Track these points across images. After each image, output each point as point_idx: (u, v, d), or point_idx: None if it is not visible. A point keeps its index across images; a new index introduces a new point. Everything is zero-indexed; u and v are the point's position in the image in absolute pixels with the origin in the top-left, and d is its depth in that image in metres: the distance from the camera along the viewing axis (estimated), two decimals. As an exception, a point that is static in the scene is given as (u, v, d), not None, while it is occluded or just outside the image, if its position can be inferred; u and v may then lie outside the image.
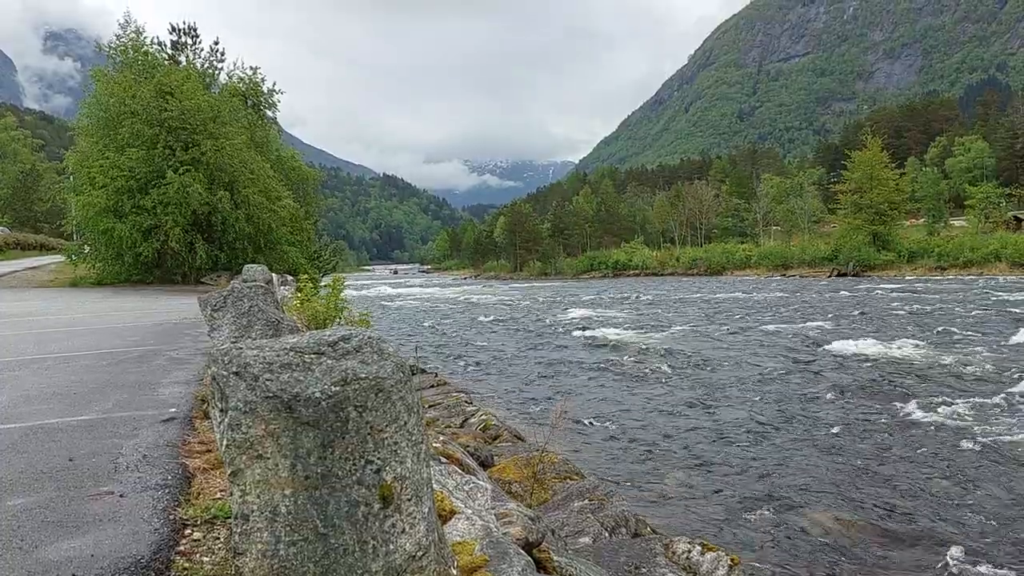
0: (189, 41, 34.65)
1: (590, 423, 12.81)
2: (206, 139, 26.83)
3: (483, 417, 11.66)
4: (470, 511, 3.38)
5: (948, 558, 6.70)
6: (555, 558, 4.01)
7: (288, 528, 1.89)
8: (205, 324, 6.03)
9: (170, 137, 26.51)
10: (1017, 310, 28.91)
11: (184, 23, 34.53)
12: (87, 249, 28.37)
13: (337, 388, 1.91)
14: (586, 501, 6.99)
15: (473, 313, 41.06)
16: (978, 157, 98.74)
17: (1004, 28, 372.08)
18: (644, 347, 22.19)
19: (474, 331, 30.57)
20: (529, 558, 2.93)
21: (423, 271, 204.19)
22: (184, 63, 33.35)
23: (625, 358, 20.34)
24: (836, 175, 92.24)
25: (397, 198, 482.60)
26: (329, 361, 1.97)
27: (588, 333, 26.83)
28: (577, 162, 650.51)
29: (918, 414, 12.17)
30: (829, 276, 71.95)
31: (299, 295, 12.54)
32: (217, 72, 34.97)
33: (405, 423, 2.04)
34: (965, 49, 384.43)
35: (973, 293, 38.59)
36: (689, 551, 5.63)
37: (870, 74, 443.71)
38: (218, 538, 2.84)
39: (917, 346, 19.82)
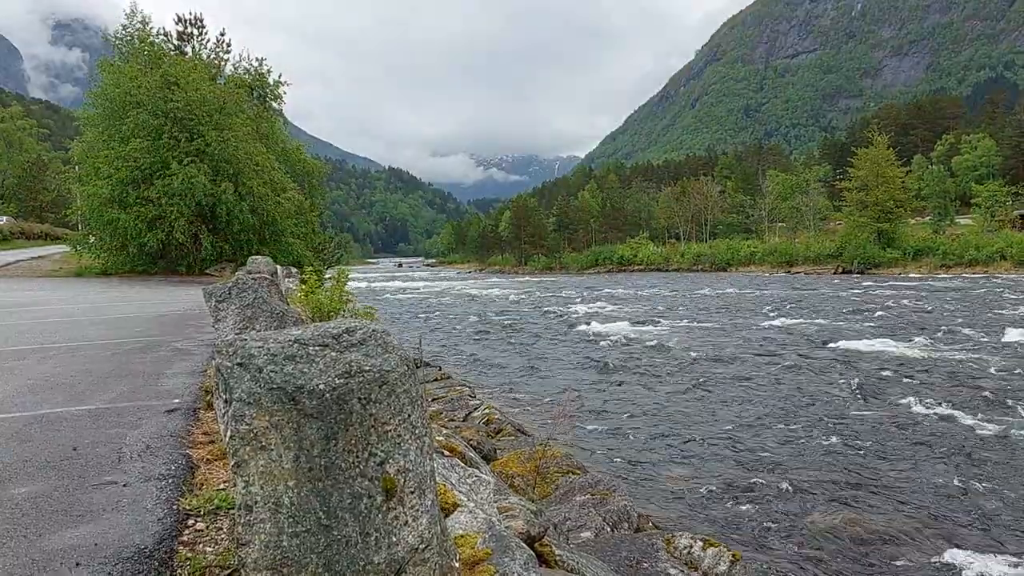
0: (195, 32, 34.65)
1: (593, 418, 12.83)
2: (211, 130, 26.83)
3: (486, 411, 11.68)
4: (473, 504, 3.38)
5: (951, 556, 6.70)
6: (557, 552, 4.01)
7: (291, 519, 1.89)
8: (209, 315, 6.04)
9: (175, 128, 26.51)
10: (1021, 309, 28.80)
11: (190, 14, 34.54)
12: (92, 239, 28.44)
13: (341, 380, 1.91)
14: (588, 496, 7.00)
15: (477, 307, 41.06)
16: (985, 155, 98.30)
17: (1012, 26, 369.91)
18: (648, 343, 22.18)
19: (478, 325, 30.57)
20: (531, 552, 2.93)
21: (428, 265, 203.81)
22: (190, 54, 33.35)
23: (628, 353, 20.34)
24: (842, 172, 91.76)
25: (402, 191, 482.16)
26: (333, 353, 1.97)
27: (592, 328, 26.81)
28: (583, 157, 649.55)
29: (920, 412, 12.16)
30: (834, 273, 71.72)
31: (303, 287, 12.54)
32: (223, 63, 35.00)
33: (409, 416, 2.04)
34: (973, 47, 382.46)
35: (977, 292, 38.47)
36: (691, 547, 5.64)
37: (877, 71, 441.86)
38: (221, 528, 2.84)
39: (920, 344, 19.78)
